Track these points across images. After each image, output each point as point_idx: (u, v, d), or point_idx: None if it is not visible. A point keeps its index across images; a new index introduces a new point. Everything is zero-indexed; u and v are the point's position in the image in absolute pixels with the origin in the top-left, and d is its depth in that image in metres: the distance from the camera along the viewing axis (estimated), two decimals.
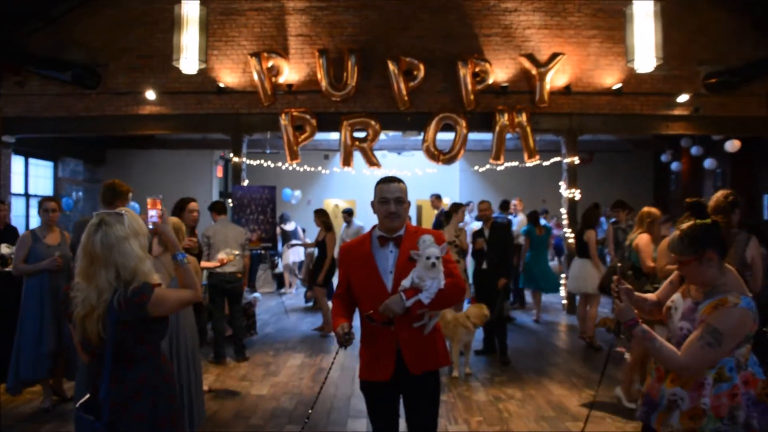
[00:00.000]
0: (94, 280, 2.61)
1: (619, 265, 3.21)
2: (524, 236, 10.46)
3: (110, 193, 5.07)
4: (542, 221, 10.71)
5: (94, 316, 2.59)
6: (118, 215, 2.70)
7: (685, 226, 2.86)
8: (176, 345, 4.47)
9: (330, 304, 10.33)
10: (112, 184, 5.13)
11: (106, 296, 2.59)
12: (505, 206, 11.20)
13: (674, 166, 14.39)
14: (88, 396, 2.70)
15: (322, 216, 9.41)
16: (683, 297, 2.90)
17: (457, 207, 8.63)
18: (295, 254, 13.33)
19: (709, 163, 12.83)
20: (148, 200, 2.93)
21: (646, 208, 6.34)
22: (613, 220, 8.81)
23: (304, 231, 13.99)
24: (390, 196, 3.18)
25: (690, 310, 2.81)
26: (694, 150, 13.16)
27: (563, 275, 11.13)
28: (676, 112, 10.97)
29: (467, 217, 11.62)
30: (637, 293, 3.15)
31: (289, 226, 13.42)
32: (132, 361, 2.66)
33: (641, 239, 5.98)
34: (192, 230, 6.33)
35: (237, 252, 6.70)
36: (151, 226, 2.90)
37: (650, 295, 3.23)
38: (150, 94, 10.82)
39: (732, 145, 11.56)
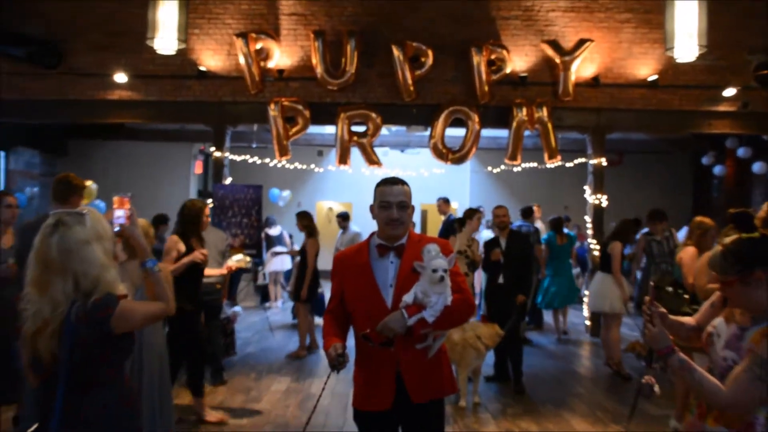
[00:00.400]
0: (48, 291, 2.55)
1: (652, 284, 3.15)
2: (544, 245, 10.50)
3: (63, 188, 5.01)
4: (564, 229, 10.76)
5: (48, 331, 2.52)
6: (78, 215, 2.65)
7: (728, 240, 2.77)
8: (138, 366, 4.46)
9: (318, 321, 10.36)
10: (66, 177, 5.07)
11: (61, 309, 2.53)
12: (527, 214, 11.19)
13: (717, 170, 14.37)
14: (36, 426, 2.64)
15: (304, 220, 9.43)
16: (727, 322, 2.82)
17: (471, 213, 8.64)
18: (279, 263, 13.32)
19: (758, 167, 12.78)
20: (115, 198, 2.89)
21: (698, 218, 6.29)
22: (646, 230, 8.80)
23: (291, 237, 13.98)
24: (392, 200, 3.18)
25: (735, 337, 2.73)
26: (741, 152, 13.13)
27: (585, 292, 11.14)
28: (721, 108, 10.95)
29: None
30: (673, 317, 3.09)
31: (274, 231, 13.41)
32: (90, 386, 2.60)
33: (686, 253, 5.97)
34: (200, 239, 6.25)
35: (249, 258, 6.69)
36: (117, 229, 2.85)
37: (688, 319, 3.17)
38: (120, 77, 10.80)
39: None
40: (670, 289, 5.97)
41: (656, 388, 3.00)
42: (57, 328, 2.53)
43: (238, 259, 6.54)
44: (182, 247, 5.99)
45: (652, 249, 8.75)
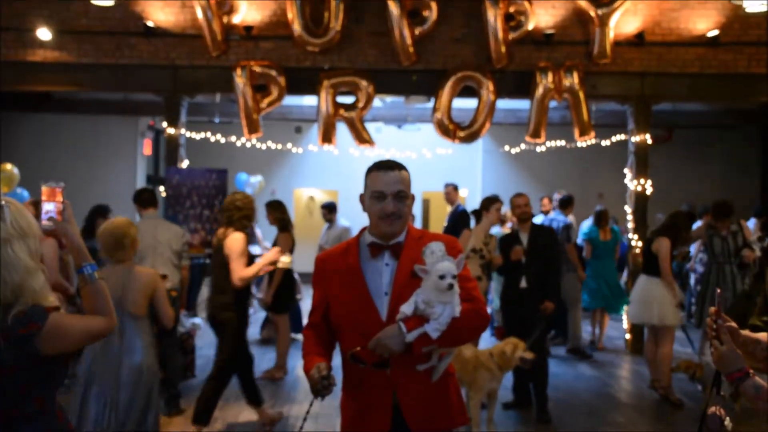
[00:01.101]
0: None
1: (718, 291, 3.11)
2: (585, 242, 10.61)
3: None
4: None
5: None
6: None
7: None
8: (114, 393, 4.59)
9: (295, 336, 10.45)
10: None
11: None
12: (566, 204, 11.25)
13: None
14: None
15: (276, 211, 9.47)
16: None
17: (489, 203, 8.68)
18: None
19: None
20: (44, 189, 2.86)
21: None
22: (710, 225, 8.86)
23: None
24: (387, 189, 3.20)
25: None
26: None
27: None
28: None
29: None
30: (746, 333, 3.03)
31: None
32: (13, 421, 2.60)
33: None
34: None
35: (287, 259, 6.99)
36: (46, 225, 2.82)
37: (766, 336, 3.12)
38: (43, 33, 10.72)
39: None
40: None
41: (727, 422, 2.94)
42: None
43: (285, 261, 6.79)
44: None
45: (713, 246, 8.82)
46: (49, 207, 2.81)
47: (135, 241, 5.37)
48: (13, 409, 2.58)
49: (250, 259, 6.67)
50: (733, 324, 2.89)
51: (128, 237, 5.26)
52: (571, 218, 12.14)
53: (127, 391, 5.06)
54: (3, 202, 2.63)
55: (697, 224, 12.14)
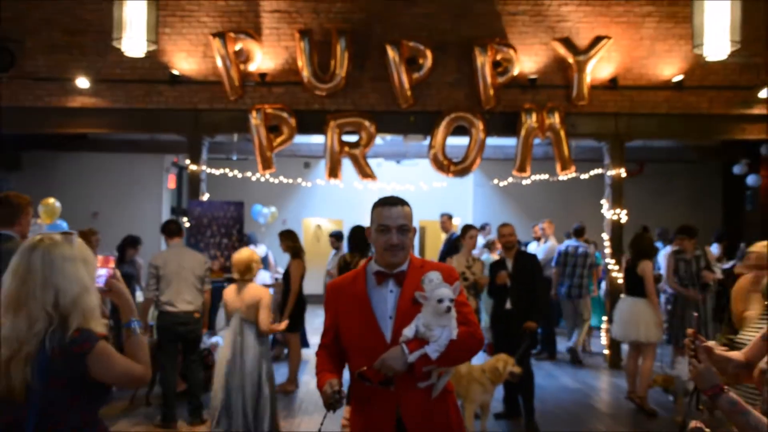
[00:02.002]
0: (25, 307, 2.59)
1: (695, 315, 3.15)
2: (555, 268, 10.70)
3: (6, 210, 4.87)
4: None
5: (22, 355, 2.55)
6: (66, 234, 2.74)
7: None
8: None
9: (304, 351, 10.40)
10: (6, 197, 4.95)
11: (38, 328, 2.57)
12: (580, 233, 11.32)
13: (751, 179, 14.45)
14: None
15: (288, 240, 9.47)
16: None
17: (465, 231, 8.79)
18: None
19: None
20: (99, 258, 2.95)
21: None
22: (674, 248, 8.86)
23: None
24: (392, 223, 3.22)
25: None
26: None
27: (604, 318, 11.23)
28: (756, 111, 11.01)
29: (480, 240, 11.72)
30: (719, 351, 3.10)
31: (259, 251, 13.45)
32: None
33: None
34: None
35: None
36: (102, 288, 2.89)
37: (736, 354, 3.18)
38: (82, 82, 10.84)
39: None
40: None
41: None
42: (32, 351, 2.55)
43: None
44: None
45: (679, 269, 8.82)
46: (101, 272, 2.90)
47: (257, 266, 6.58)
48: (61, 422, 2.60)
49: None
50: (709, 344, 2.95)
51: (255, 263, 6.52)
52: (552, 242, 12.19)
53: (251, 385, 6.21)
54: (73, 232, 2.77)
55: (668, 249, 12.23)
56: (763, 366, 2.89)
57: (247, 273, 6.37)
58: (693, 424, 3.02)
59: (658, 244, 12.18)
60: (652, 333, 8.27)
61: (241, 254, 6.48)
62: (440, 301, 3.02)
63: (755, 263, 5.29)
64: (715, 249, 13.22)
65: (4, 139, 14.04)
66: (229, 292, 6.45)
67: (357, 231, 7.99)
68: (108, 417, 5.00)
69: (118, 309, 3.03)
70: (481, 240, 11.76)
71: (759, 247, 5.39)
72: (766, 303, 2.84)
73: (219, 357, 6.46)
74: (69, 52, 10.97)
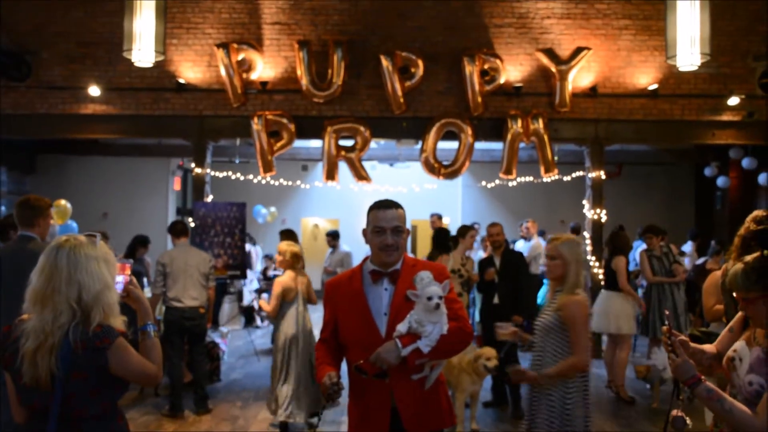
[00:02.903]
0: (51, 301, 2.64)
1: (667, 313, 3.20)
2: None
3: (26, 212, 4.88)
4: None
5: (47, 346, 2.60)
6: (89, 236, 2.80)
7: (751, 258, 2.87)
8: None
9: None
10: (27, 201, 4.95)
11: (62, 321, 2.62)
12: (578, 231, 11.36)
13: (721, 181, 14.49)
14: None
15: (287, 238, 9.45)
16: (748, 345, 2.89)
17: (465, 230, 8.71)
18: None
19: (764, 178, 12.89)
20: (117, 264, 2.98)
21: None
22: (645, 247, 8.90)
23: (270, 258, 14.05)
24: (386, 225, 3.22)
25: (760, 361, 2.78)
26: (746, 162, 13.23)
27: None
28: (725, 117, 11.06)
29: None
30: (694, 345, 3.15)
31: (257, 250, 13.51)
32: (82, 421, 2.67)
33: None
34: None
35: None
36: (121, 294, 2.93)
37: (709, 347, 3.23)
38: (93, 90, 10.83)
39: None
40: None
41: (689, 421, 3.00)
42: (57, 342, 2.60)
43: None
44: None
45: (652, 266, 8.86)
46: (119, 279, 2.95)
47: (301, 260, 7.23)
48: (83, 410, 2.66)
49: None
50: (684, 338, 3.01)
51: (301, 254, 7.25)
52: (535, 240, 12.20)
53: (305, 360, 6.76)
54: (97, 235, 2.84)
55: (639, 243, 12.32)
56: (730, 354, 2.94)
57: (298, 262, 7.11)
58: (674, 412, 3.08)
59: (638, 242, 12.20)
60: (624, 325, 8.31)
61: (292, 248, 7.17)
62: (430, 298, 3.04)
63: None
64: (689, 246, 13.27)
65: (21, 144, 14.12)
66: (287, 280, 6.94)
67: (440, 232, 8.58)
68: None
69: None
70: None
71: None
72: (735, 295, 2.87)
73: (280, 336, 6.88)
74: (82, 62, 10.97)
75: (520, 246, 12.17)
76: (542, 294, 10.87)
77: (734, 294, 2.92)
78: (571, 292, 4.05)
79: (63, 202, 11.30)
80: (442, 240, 8.33)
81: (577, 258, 4.11)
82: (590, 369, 4.09)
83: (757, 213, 4.98)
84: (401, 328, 3.08)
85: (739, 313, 3.07)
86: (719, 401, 2.72)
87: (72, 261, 2.68)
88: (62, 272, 2.66)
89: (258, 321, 13.76)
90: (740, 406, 2.70)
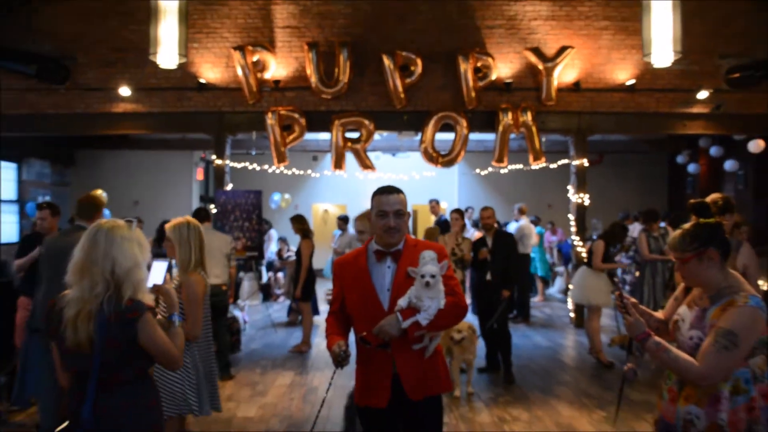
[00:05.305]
0: (88, 272, 2.71)
1: (616, 279, 3.36)
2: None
3: (88, 207, 5.18)
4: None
5: (86, 312, 2.67)
6: (128, 221, 2.88)
7: (688, 225, 3.02)
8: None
9: (315, 317, 10.43)
10: (89, 197, 5.26)
11: (98, 290, 2.69)
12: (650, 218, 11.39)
13: (691, 167, 14.49)
14: (66, 423, 2.74)
15: (298, 222, 9.53)
16: (689, 308, 3.01)
17: (452, 216, 8.78)
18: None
19: (730, 164, 12.90)
20: (155, 263, 3.12)
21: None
22: (643, 227, 8.89)
23: (284, 240, 14.06)
24: (389, 209, 3.21)
25: (698, 318, 2.90)
26: (714, 150, 13.24)
27: (570, 286, 11.24)
28: (695, 110, 11.03)
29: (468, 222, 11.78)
30: (644, 308, 3.27)
31: (272, 234, 13.52)
32: (118, 384, 2.73)
33: None
34: None
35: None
36: (152, 289, 3.04)
37: (657, 313, 3.34)
38: (124, 91, 10.83)
39: (756, 146, 11.58)
40: None
41: (639, 373, 3.11)
42: (94, 311, 2.67)
43: None
44: None
45: (649, 244, 8.81)
46: (158, 273, 3.08)
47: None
48: (119, 374, 2.72)
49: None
50: (634, 300, 3.14)
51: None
52: (524, 221, 12.19)
53: None
54: (134, 220, 2.92)
55: (634, 226, 12.33)
56: (675, 318, 3.07)
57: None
58: (627, 366, 3.28)
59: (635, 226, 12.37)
60: (595, 298, 8.32)
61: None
62: (423, 276, 3.05)
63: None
64: (662, 226, 13.27)
65: (62, 140, 14.30)
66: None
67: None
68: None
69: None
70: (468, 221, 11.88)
71: None
72: (673, 257, 3.00)
73: None
74: (114, 66, 10.94)
75: (512, 228, 12.17)
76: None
77: (672, 255, 3.04)
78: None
79: (99, 191, 11.32)
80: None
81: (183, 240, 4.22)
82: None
83: (714, 196, 5.15)
84: (402, 302, 3.08)
85: (681, 284, 3.20)
86: (666, 352, 2.84)
87: (109, 239, 2.75)
88: (100, 248, 2.73)
89: (277, 291, 13.84)
90: (684, 355, 2.82)
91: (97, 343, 2.65)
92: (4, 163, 13.48)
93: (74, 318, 2.67)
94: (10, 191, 13.71)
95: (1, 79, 10.74)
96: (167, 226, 4.26)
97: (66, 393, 2.84)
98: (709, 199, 5.10)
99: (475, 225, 12.15)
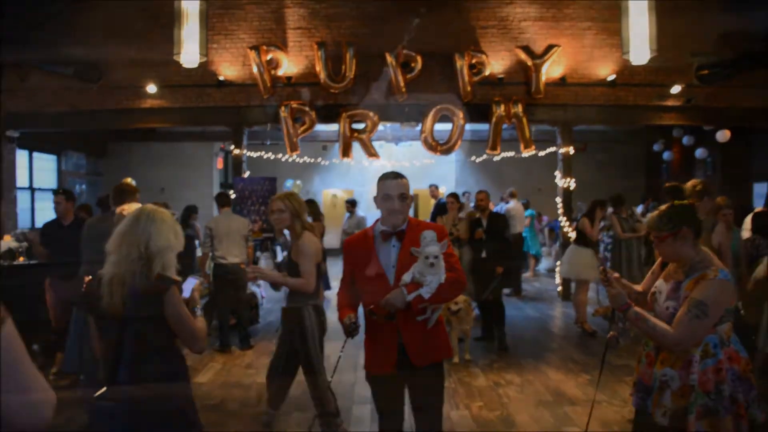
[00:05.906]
0: (126, 241, 2.74)
1: (600, 256, 3.40)
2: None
3: (122, 193, 5.19)
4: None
5: (120, 276, 2.69)
6: (168, 208, 2.86)
7: (664, 206, 3.05)
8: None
9: (327, 293, 10.43)
10: (124, 184, 5.30)
11: (132, 257, 2.71)
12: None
13: (666, 155, 14.48)
14: (104, 389, 2.74)
15: (309, 207, 9.45)
16: (666, 281, 3.05)
17: (448, 198, 8.80)
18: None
19: (700, 152, 12.92)
20: (194, 281, 3.19)
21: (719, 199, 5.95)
22: (613, 210, 8.86)
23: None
24: (393, 192, 3.19)
25: (673, 290, 2.96)
26: (686, 140, 13.25)
27: (558, 262, 11.23)
28: (669, 102, 11.00)
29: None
30: (625, 282, 3.32)
31: None
32: (148, 351, 2.74)
33: None
34: None
35: None
36: (186, 295, 3.04)
37: (636, 286, 3.39)
38: (151, 88, 10.79)
39: (722, 135, 11.66)
40: None
41: (621, 341, 3.15)
42: (127, 277, 2.69)
43: None
44: None
45: (622, 225, 8.80)
46: (187, 287, 3.08)
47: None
48: (150, 342, 2.73)
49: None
50: (617, 274, 3.20)
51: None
52: (514, 203, 12.15)
53: None
54: (175, 212, 2.88)
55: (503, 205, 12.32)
56: (653, 290, 3.12)
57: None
58: (610, 334, 3.37)
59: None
60: (583, 272, 8.31)
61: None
62: (426, 257, 3.04)
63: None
64: (640, 208, 13.27)
65: (96, 133, 14.38)
66: None
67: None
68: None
69: None
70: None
71: None
72: (651, 236, 3.06)
73: None
74: (141, 65, 10.86)
75: (501, 209, 12.13)
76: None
77: (650, 234, 3.09)
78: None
79: (129, 179, 11.25)
80: (442, 208, 8.34)
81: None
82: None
83: (694, 181, 5.22)
84: (406, 278, 3.07)
85: (659, 259, 3.25)
86: (644, 321, 2.90)
87: (150, 218, 2.79)
88: (140, 224, 2.77)
89: None
90: (661, 324, 2.88)
91: (129, 312, 2.66)
92: (45, 156, 13.86)
93: (110, 281, 2.69)
94: (51, 180, 14.05)
95: (43, 80, 10.79)
96: (277, 196, 4.51)
97: (102, 362, 2.84)
98: (689, 184, 5.17)
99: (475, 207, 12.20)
